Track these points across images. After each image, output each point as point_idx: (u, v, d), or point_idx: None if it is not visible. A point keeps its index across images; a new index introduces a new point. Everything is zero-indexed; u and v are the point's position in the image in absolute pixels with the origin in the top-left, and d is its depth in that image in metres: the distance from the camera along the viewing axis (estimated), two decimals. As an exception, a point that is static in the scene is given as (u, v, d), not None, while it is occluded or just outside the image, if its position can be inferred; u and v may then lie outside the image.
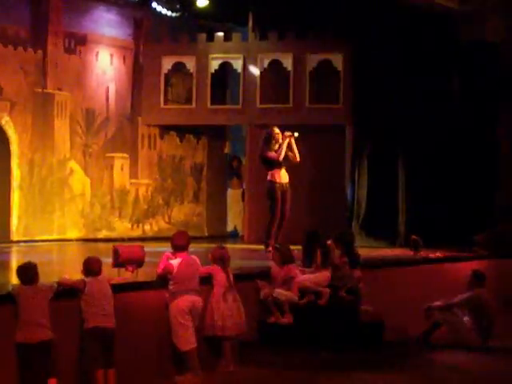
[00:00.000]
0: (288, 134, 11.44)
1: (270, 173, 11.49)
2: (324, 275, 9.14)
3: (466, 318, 9.96)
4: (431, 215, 13.23)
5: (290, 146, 11.42)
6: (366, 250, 11.68)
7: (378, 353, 8.78)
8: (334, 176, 14.29)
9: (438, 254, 11.67)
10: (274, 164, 11.44)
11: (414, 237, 11.64)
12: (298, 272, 9.08)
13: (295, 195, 13.26)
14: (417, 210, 13.45)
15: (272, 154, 11.44)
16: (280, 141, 11.42)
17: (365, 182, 13.80)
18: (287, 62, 14.37)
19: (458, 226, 13.12)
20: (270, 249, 10.80)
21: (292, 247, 9.42)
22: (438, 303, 9.98)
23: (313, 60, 14.25)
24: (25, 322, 6.65)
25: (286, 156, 11.45)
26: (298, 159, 11.53)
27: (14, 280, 7.48)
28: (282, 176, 11.47)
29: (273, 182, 11.45)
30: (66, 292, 7.11)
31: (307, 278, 9.05)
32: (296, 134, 11.48)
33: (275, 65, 14.50)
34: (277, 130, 11.56)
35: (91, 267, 7.27)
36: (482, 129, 13.85)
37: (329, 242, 9.44)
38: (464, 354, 9.48)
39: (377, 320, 9.23)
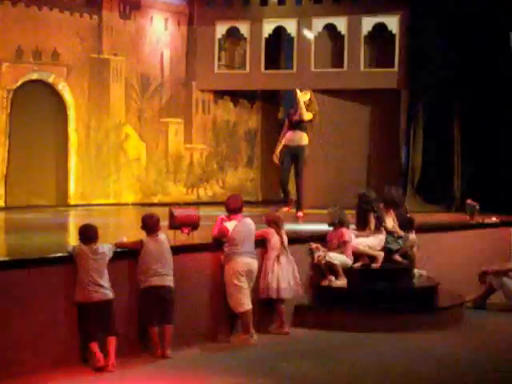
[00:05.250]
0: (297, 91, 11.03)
1: None
2: (378, 239, 9.13)
3: (521, 283, 9.89)
4: (487, 179, 13.08)
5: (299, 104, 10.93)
6: (421, 214, 11.61)
7: (431, 316, 8.75)
8: (389, 140, 14.21)
9: (494, 219, 11.56)
10: (288, 126, 11.07)
11: (469, 201, 11.53)
12: (353, 235, 9.08)
13: (350, 159, 13.24)
14: (473, 174, 13.31)
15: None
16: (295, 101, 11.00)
17: (420, 146, 13.70)
18: (342, 26, 14.27)
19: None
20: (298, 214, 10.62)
21: (348, 211, 9.41)
22: (493, 267, 9.92)
23: (368, 23, 14.14)
24: (84, 282, 6.80)
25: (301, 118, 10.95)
26: (305, 118, 10.91)
27: (73, 242, 7.65)
28: (290, 138, 11.01)
29: (283, 145, 11.12)
30: (125, 252, 7.25)
31: (361, 241, 9.06)
32: (298, 92, 11.00)
33: (330, 28, 14.41)
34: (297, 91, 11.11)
35: (147, 223, 7.40)
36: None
37: (381, 204, 9.41)
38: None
39: (431, 284, 9.21)
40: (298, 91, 11.06)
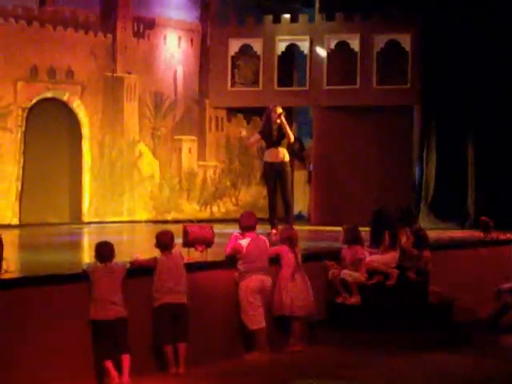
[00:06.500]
0: (278, 111, 10.82)
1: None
2: (392, 256, 9.10)
3: (537, 301, 9.83)
4: (501, 196, 13.05)
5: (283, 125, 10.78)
6: (435, 231, 11.58)
7: (446, 334, 8.72)
8: (402, 157, 14.18)
9: (509, 236, 11.50)
10: (267, 143, 10.95)
11: (483, 218, 11.48)
12: (367, 253, 9.06)
13: (363, 176, 13.23)
14: (487, 191, 13.27)
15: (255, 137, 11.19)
16: (275, 120, 10.75)
17: (433, 163, 13.68)
18: (354, 43, 14.27)
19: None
20: (272, 231, 10.43)
21: (360, 229, 9.39)
22: (508, 285, 9.87)
23: (380, 40, 14.13)
24: (98, 300, 6.81)
25: (282, 135, 10.78)
26: (292, 139, 10.84)
27: (87, 259, 7.67)
28: (273, 155, 10.80)
29: (264, 162, 11.02)
30: (139, 270, 7.26)
31: (375, 258, 9.04)
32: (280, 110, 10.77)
33: (342, 46, 14.42)
34: (276, 110, 10.87)
35: (161, 240, 7.41)
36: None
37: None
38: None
39: (445, 301, 9.17)
40: (280, 113, 10.81)
